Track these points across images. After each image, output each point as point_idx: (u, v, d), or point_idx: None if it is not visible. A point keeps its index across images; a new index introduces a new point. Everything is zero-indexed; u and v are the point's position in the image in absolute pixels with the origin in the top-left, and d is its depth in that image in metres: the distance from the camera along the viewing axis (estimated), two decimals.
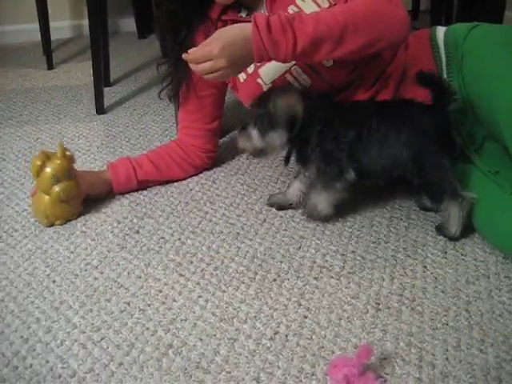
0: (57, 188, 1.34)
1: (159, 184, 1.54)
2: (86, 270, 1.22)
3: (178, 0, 1.38)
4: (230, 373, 0.96)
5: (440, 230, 1.30)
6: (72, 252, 1.28)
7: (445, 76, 1.36)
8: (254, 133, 1.26)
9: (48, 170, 1.34)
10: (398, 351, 0.99)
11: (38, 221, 1.39)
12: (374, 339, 1.01)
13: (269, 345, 1.01)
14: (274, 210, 1.41)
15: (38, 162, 1.34)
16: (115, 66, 2.44)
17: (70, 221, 1.39)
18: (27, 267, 1.24)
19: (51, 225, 1.38)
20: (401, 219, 1.36)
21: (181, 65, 1.43)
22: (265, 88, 1.36)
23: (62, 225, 1.38)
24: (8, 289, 1.17)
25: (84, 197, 1.43)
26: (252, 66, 1.36)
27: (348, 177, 1.27)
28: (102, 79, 2.11)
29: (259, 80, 1.37)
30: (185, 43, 1.40)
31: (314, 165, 1.29)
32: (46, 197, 1.35)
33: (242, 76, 1.40)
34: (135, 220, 1.39)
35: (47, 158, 1.34)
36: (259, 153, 1.30)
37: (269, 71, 1.35)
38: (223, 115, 1.61)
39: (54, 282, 1.19)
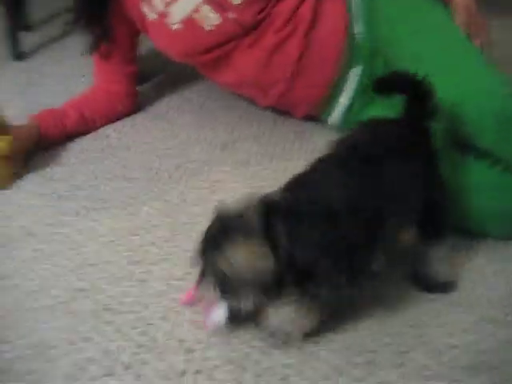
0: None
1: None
2: None
3: None
4: (139, 313, 0.98)
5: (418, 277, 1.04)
6: None
7: (356, 18, 1.36)
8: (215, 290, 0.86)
9: None
10: None
11: None
12: None
13: (177, 284, 1.03)
14: (191, 153, 1.41)
15: None
16: (35, 9, 2.32)
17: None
18: None
19: (3, 187, 1.28)
20: None
21: (99, 24, 1.41)
22: (174, 28, 1.34)
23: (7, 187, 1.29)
24: None
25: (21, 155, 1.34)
26: (160, 4, 1.34)
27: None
28: (15, 21, 2.00)
29: (168, 19, 1.34)
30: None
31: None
32: None
33: (151, 16, 1.36)
34: (48, 168, 1.36)
35: None
36: None
37: (177, 9, 1.33)
38: (141, 61, 1.58)
39: None
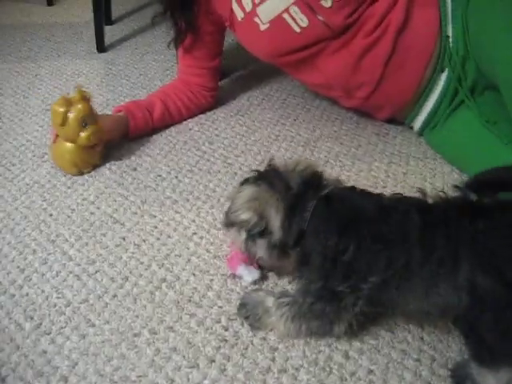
0: (85, 133, 1.26)
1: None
2: (82, 205, 1.22)
3: None
4: (221, 307, 0.97)
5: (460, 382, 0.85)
6: (69, 187, 1.28)
7: (449, 22, 1.32)
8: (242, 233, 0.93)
9: (73, 115, 1.25)
10: None
11: (65, 171, 1.32)
12: None
13: (261, 283, 1.02)
14: (272, 151, 1.40)
15: (62, 109, 1.24)
16: (117, 4, 2.39)
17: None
18: (24, 201, 1.24)
19: (80, 173, 1.32)
20: None
21: (186, 17, 1.42)
22: (262, 28, 1.33)
23: (90, 172, 1.33)
24: (5, 221, 1.18)
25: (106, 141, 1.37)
26: (250, 4, 1.33)
27: (343, 326, 0.88)
28: (102, 16, 2.06)
29: (256, 19, 1.34)
30: None
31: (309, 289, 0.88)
32: (71, 144, 1.28)
33: (239, 15, 1.36)
34: (133, 158, 1.39)
35: (69, 103, 1.26)
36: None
37: (266, 9, 1.32)
38: (224, 56, 1.59)
39: (50, 215, 1.20)
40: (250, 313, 0.94)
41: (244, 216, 0.88)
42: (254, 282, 1.01)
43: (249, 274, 1.00)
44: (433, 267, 0.79)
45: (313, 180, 0.88)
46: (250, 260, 0.99)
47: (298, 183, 0.87)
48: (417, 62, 1.34)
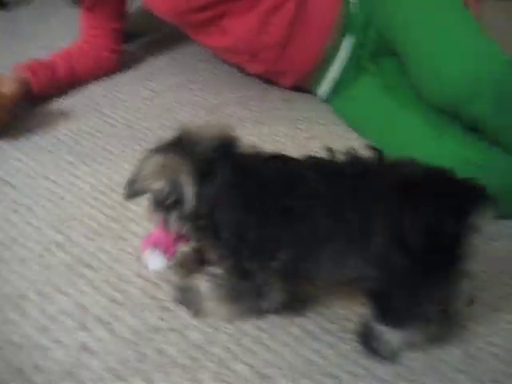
0: None
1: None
2: None
3: None
4: (111, 268, 0.96)
5: (365, 340, 0.85)
6: None
7: None
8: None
9: None
10: None
11: None
12: None
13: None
14: (176, 115, 1.38)
15: None
16: None
17: None
18: None
19: None
20: None
21: None
22: None
23: None
24: None
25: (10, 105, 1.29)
26: None
27: (272, 301, 0.86)
28: None
29: None
30: None
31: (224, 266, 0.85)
32: None
33: None
34: (30, 119, 1.33)
35: None
36: None
37: None
38: (130, 19, 1.55)
39: None
40: (190, 299, 0.90)
41: (156, 185, 0.81)
42: (159, 271, 0.91)
43: (152, 262, 0.88)
44: (342, 242, 0.77)
45: (224, 145, 0.83)
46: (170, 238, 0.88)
47: (207, 149, 0.81)
48: (321, 24, 1.36)
